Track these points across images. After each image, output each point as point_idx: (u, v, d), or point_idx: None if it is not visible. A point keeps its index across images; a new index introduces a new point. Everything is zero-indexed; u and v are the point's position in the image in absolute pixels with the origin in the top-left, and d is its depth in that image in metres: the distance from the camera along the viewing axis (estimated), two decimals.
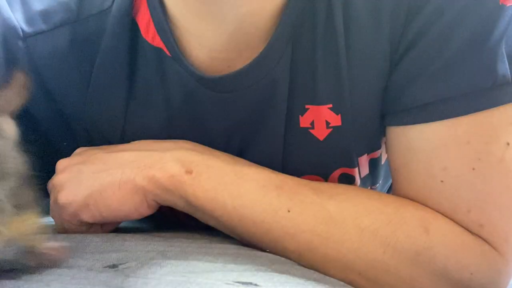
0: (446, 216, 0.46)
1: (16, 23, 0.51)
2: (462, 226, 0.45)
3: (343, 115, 0.49)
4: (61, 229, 0.50)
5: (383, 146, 0.53)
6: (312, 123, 0.50)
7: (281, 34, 0.47)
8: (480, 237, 0.45)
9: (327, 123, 0.50)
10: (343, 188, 0.48)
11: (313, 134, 0.50)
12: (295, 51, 0.48)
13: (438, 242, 0.44)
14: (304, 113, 0.50)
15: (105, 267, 0.38)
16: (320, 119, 0.50)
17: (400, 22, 0.46)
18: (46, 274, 0.36)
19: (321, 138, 0.50)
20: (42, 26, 0.51)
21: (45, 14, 0.51)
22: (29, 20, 0.51)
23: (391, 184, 0.56)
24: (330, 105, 0.49)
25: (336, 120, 0.49)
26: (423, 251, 0.44)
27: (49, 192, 0.51)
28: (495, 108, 0.44)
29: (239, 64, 0.48)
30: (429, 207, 0.46)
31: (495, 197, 0.45)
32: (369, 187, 0.58)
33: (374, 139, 0.52)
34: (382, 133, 0.51)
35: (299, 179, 0.48)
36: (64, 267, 0.38)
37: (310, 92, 0.49)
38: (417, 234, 0.44)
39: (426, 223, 0.45)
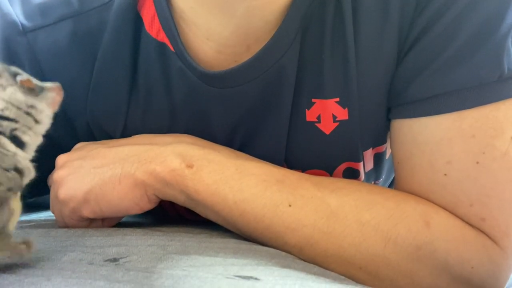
0: (448, 210, 0.46)
1: (15, 18, 0.51)
2: (464, 220, 0.45)
3: (350, 109, 0.49)
4: (62, 224, 0.50)
5: (389, 141, 0.53)
6: (319, 117, 0.50)
7: (288, 26, 0.47)
8: (481, 231, 0.45)
9: (334, 117, 0.49)
10: (344, 182, 0.48)
11: (319, 128, 0.50)
12: (303, 44, 0.48)
13: (439, 236, 0.44)
14: (310, 107, 0.49)
15: (105, 260, 0.38)
16: (327, 113, 0.49)
17: (408, 15, 0.46)
18: (47, 268, 0.36)
19: (327, 132, 0.50)
20: (42, 21, 0.51)
21: (45, 8, 0.51)
22: (29, 14, 0.51)
23: (393, 179, 0.56)
24: (337, 99, 0.49)
25: (343, 114, 0.49)
26: (424, 245, 0.44)
27: (49, 187, 0.52)
28: (500, 101, 0.44)
29: (246, 58, 0.48)
30: (431, 201, 0.46)
31: (498, 191, 0.45)
32: (372, 182, 0.58)
33: (380, 133, 0.52)
34: (388, 127, 0.51)
35: (300, 173, 0.48)
36: (65, 261, 0.38)
37: (318, 86, 0.49)
38: (418, 228, 0.44)
39: (427, 217, 0.45)
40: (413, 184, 0.47)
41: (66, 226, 0.50)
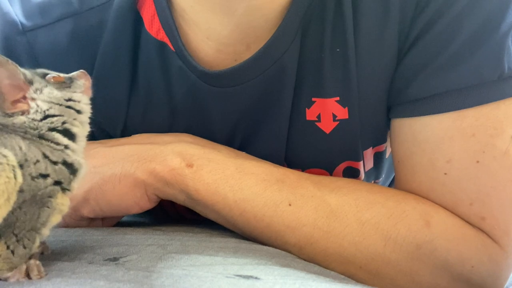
0: (448, 209, 0.46)
1: (15, 17, 0.51)
2: (464, 219, 0.45)
3: (350, 108, 0.49)
4: (62, 224, 0.50)
5: (389, 140, 0.53)
6: (319, 116, 0.50)
7: (288, 25, 0.47)
8: (481, 230, 0.45)
9: (334, 116, 0.49)
10: (344, 181, 0.48)
11: (319, 127, 0.50)
12: (303, 43, 0.48)
13: (439, 235, 0.44)
14: (310, 106, 0.49)
15: (105, 260, 0.38)
16: (327, 112, 0.49)
17: (409, 13, 0.46)
18: (47, 268, 0.36)
19: (327, 131, 0.50)
20: (42, 20, 0.51)
21: (45, 8, 0.51)
22: (29, 14, 0.51)
23: (393, 178, 0.56)
24: (337, 98, 0.49)
25: (343, 113, 0.49)
26: (424, 244, 0.44)
27: None
28: (500, 100, 0.44)
29: (246, 57, 0.48)
30: (431, 200, 0.46)
31: (498, 190, 0.45)
32: (372, 181, 0.58)
33: (380, 132, 0.52)
34: (388, 126, 0.51)
35: (300, 173, 0.48)
36: (65, 261, 0.38)
37: (318, 85, 0.49)
38: (418, 228, 0.44)
39: (427, 217, 0.45)
40: (413, 183, 0.47)
41: (66, 225, 0.50)
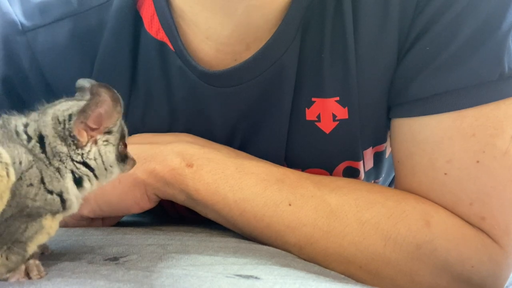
0: (448, 209, 0.46)
1: (15, 17, 0.51)
2: (464, 219, 0.45)
3: (350, 108, 0.49)
4: (61, 224, 0.50)
5: (389, 139, 0.53)
6: (319, 116, 0.50)
7: (288, 25, 0.47)
8: (481, 230, 0.45)
9: (334, 116, 0.49)
10: (344, 181, 0.48)
11: (319, 127, 0.50)
12: (303, 43, 0.48)
13: (439, 235, 0.44)
14: (310, 106, 0.49)
15: (105, 260, 0.38)
16: (327, 112, 0.49)
17: (409, 14, 0.46)
18: (47, 268, 0.36)
19: (327, 131, 0.50)
20: (41, 20, 0.51)
21: (44, 8, 0.51)
22: (28, 14, 0.51)
23: (393, 177, 0.56)
24: (337, 98, 0.49)
25: (343, 113, 0.49)
26: (424, 244, 0.44)
27: None
28: (501, 100, 0.44)
29: (246, 57, 0.48)
30: (431, 200, 0.46)
31: (498, 190, 0.45)
32: (372, 181, 0.58)
33: (380, 132, 0.52)
34: (388, 126, 0.51)
35: (300, 173, 0.48)
36: (65, 261, 0.38)
37: (318, 85, 0.49)
38: (418, 227, 0.44)
39: (427, 216, 0.45)
40: (413, 183, 0.47)
41: (66, 225, 0.49)
